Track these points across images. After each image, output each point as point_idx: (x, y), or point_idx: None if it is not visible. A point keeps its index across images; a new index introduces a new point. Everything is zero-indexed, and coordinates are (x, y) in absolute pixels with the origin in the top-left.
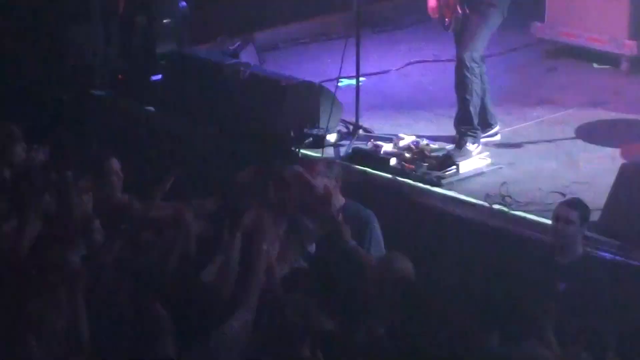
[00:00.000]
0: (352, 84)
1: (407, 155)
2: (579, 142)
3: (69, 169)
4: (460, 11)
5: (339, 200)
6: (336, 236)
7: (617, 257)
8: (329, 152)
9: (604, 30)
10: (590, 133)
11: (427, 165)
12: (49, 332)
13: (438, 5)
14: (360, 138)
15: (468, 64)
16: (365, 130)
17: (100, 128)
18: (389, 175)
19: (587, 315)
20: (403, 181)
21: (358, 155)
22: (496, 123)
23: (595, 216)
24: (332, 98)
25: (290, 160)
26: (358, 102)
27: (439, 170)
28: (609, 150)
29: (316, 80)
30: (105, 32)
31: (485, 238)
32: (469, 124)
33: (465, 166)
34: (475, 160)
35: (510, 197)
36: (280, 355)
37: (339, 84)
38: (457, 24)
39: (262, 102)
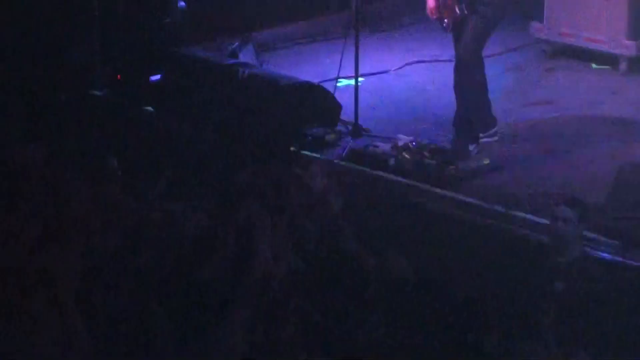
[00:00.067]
0: (351, 84)
1: (405, 155)
2: (579, 142)
3: (68, 169)
4: (458, 12)
5: (338, 200)
6: (335, 236)
7: (616, 257)
8: (328, 152)
9: (603, 31)
10: (589, 133)
11: (426, 166)
12: (48, 332)
13: (437, 6)
14: (359, 138)
15: (467, 65)
16: (364, 130)
17: (100, 128)
18: (388, 176)
19: (585, 316)
20: (402, 181)
21: (357, 156)
22: (495, 123)
23: (594, 216)
24: (331, 98)
25: (289, 161)
26: (357, 102)
27: (438, 170)
28: (608, 150)
29: (315, 80)
30: (105, 32)
31: (484, 238)
32: (468, 124)
33: (464, 166)
34: (474, 160)
35: (509, 196)
36: (278, 355)
37: (338, 84)
38: (455, 24)
39: (261, 102)
